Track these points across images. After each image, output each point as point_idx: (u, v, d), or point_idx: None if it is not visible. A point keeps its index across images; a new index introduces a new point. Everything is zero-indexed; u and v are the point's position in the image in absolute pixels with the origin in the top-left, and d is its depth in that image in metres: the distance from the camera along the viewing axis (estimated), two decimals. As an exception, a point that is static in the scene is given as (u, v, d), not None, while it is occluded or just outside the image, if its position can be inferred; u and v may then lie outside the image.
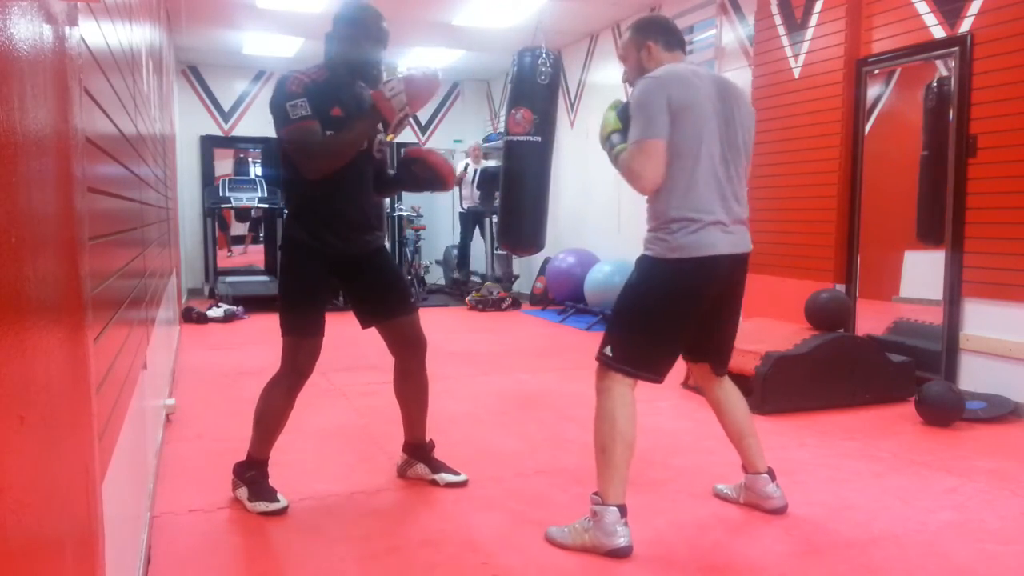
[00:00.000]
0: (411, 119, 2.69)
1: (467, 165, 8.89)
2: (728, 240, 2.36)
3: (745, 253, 2.44)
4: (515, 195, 4.93)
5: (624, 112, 2.45)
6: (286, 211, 2.83)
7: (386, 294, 2.78)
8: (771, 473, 2.64)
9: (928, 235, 4.51)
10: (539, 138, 4.53)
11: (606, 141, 2.49)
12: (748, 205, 2.49)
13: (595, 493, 2.34)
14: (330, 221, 2.62)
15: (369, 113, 2.56)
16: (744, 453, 2.66)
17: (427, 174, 2.81)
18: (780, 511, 2.62)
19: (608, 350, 2.39)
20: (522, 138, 4.78)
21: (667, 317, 2.38)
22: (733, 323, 2.61)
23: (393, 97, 2.52)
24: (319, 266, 2.64)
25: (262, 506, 2.59)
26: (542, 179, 4.97)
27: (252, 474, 2.66)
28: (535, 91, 5.28)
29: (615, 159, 2.44)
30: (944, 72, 4.23)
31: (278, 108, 2.50)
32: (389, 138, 2.79)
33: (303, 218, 2.64)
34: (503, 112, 9.84)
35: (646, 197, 2.41)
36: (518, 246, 4.94)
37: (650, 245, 2.38)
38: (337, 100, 2.55)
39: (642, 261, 2.41)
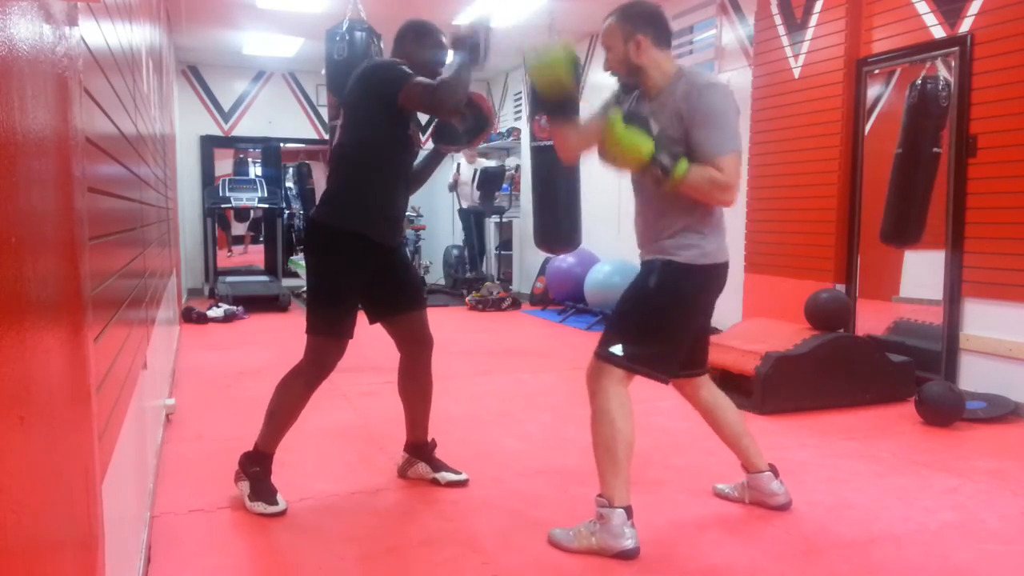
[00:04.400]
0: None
1: (459, 165, 8.88)
2: None
3: None
4: (549, 200, 5.05)
5: (643, 123, 2.28)
6: (324, 201, 2.65)
7: (401, 289, 2.78)
8: (774, 469, 2.65)
9: (893, 236, 4.55)
10: None
11: (652, 161, 2.22)
12: None
13: (599, 496, 2.32)
14: (385, 211, 2.61)
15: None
16: (743, 453, 2.65)
17: (469, 122, 2.73)
18: (786, 507, 2.62)
19: (617, 348, 2.32)
20: (549, 143, 4.82)
21: (691, 321, 2.41)
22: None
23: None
24: (366, 260, 2.59)
25: (260, 507, 2.59)
26: (573, 181, 5.08)
27: (256, 470, 2.65)
28: None
29: (679, 178, 2.23)
30: (943, 72, 4.23)
31: (393, 72, 2.51)
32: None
33: (357, 207, 2.57)
34: (502, 111, 9.90)
35: (653, 201, 2.38)
36: (557, 246, 5.13)
37: (676, 251, 2.32)
38: None
39: (667, 266, 2.33)
